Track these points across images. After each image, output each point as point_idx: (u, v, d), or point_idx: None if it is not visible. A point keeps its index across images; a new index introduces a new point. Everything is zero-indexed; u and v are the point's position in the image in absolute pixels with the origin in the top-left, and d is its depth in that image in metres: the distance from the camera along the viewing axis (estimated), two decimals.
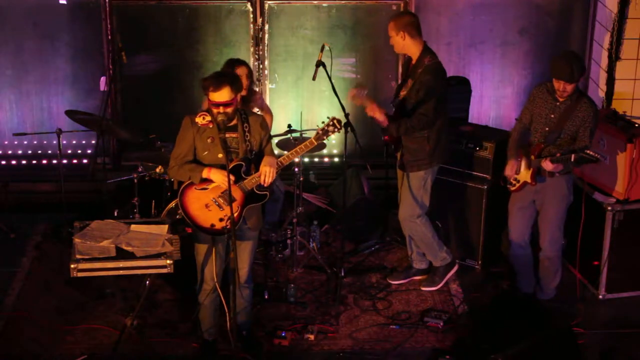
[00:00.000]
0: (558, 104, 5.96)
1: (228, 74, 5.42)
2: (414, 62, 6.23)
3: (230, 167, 5.27)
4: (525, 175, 6.10)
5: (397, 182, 6.59)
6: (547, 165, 5.90)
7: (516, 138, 6.20)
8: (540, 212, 6.23)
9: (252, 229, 5.57)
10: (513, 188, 6.21)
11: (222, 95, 5.23)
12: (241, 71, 6.57)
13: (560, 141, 5.98)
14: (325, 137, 5.52)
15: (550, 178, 6.05)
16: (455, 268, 6.70)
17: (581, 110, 5.91)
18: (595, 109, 5.95)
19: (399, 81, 8.00)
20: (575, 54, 6.02)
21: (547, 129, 6.01)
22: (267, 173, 5.35)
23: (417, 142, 6.22)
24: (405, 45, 6.20)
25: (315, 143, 5.52)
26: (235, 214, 5.31)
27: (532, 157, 6.04)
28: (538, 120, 6.05)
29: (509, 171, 6.13)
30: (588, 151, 5.77)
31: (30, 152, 8.23)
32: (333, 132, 5.50)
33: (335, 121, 5.49)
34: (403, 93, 6.28)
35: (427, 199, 6.41)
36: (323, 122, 5.51)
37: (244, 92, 6.63)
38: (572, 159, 5.80)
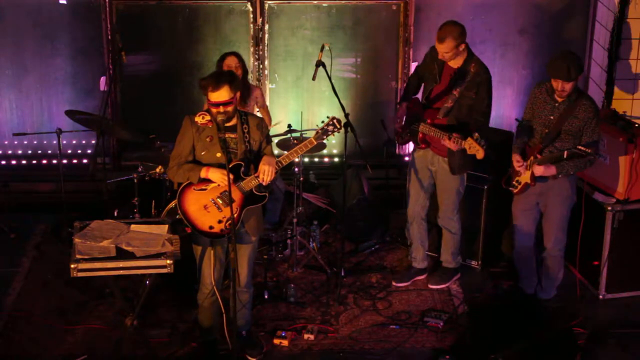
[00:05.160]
0: (557, 104, 5.97)
1: (226, 73, 5.38)
2: (459, 65, 6.14)
3: (230, 166, 5.26)
4: (525, 176, 6.10)
5: (413, 177, 6.49)
6: (537, 169, 5.91)
7: (519, 134, 6.20)
8: (544, 213, 6.23)
9: (250, 233, 5.55)
10: (515, 190, 6.20)
11: (222, 94, 5.22)
12: (230, 61, 6.52)
13: (561, 142, 5.98)
14: (325, 137, 5.51)
15: (553, 180, 6.05)
16: (459, 274, 6.75)
17: (581, 111, 5.91)
18: (595, 107, 5.96)
19: (400, 82, 8.03)
20: (572, 53, 6.01)
21: (546, 130, 6.01)
22: (265, 171, 5.34)
23: None
24: (460, 53, 6.12)
25: (315, 142, 5.50)
26: (234, 215, 5.29)
27: (532, 158, 6.04)
28: (538, 121, 6.06)
29: (517, 165, 6.10)
30: (579, 147, 5.78)
31: (30, 152, 8.23)
32: (333, 131, 5.49)
33: (335, 121, 5.48)
34: (451, 102, 6.12)
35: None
36: (322, 122, 5.51)
37: None
38: (565, 156, 5.80)
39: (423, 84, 6.44)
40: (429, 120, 6.22)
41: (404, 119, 6.38)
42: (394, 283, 6.71)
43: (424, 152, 6.39)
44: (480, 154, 5.98)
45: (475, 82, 6.11)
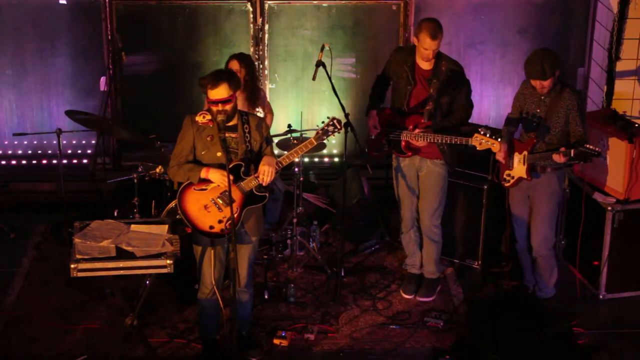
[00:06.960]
0: (543, 97, 6.01)
1: (225, 71, 5.42)
2: (431, 65, 6.09)
3: (230, 167, 5.26)
4: (520, 170, 6.11)
5: (402, 184, 6.43)
6: (560, 158, 5.88)
7: (506, 124, 6.21)
8: (532, 208, 6.25)
9: (249, 233, 5.55)
10: (508, 184, 6.23)
11: (220, 92, 5.22)
12: (232, 65, 6.46)
13: (550, 136, 6.01)
14: (325, 137, 5.52)
15: (542, 174, 6.08)
16: (440, 287, 6.67)
17: (564, 100, 5.96)
18: (578, 96, 6.01)
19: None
20: (544, 50, 6.00)
21: (534, 124, 6.04)
22: (265, 172, 5.34)
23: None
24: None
25: (315, 143, 5.51)
26: (234, 215, 5.29)
27: (525, 152, 6.06)
28: (526, 114, 6.09)
29: (500, 156, 6.08)
30: (588, 145, 5.80)
31: (30, 152, 8.23)
32: (333, 132, 5.50)
33: (335, 121, 5.49)
34: (431, 103, 6.05)
35: None
36: (323, 122, 5.51)
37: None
38: (572, 154, 5.82)
39: (391, 91, 6.35)
40: (410, 127, 6.14)
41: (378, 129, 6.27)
42: (403, 294, 6.61)
43: (410, 159, 6.32)
44: (496, 147, 5.91)
45: (451, 77, 6.06)
